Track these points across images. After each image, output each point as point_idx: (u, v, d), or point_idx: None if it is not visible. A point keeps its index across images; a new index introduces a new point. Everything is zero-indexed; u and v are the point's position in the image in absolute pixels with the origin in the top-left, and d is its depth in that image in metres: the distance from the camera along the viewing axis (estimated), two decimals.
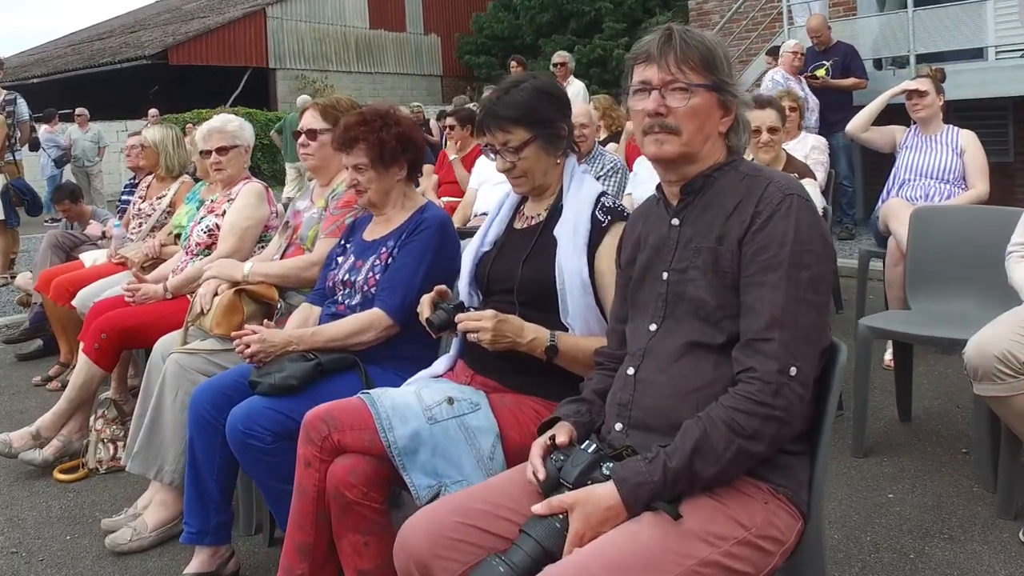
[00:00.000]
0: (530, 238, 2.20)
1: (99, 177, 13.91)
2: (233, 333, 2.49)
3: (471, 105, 8.41)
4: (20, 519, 3.13)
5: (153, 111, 15.83)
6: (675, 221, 1.76)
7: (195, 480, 2.54)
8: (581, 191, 2.19)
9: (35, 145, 8.64)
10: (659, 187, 1.85)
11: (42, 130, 12.13)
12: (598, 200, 2.16)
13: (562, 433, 1.70)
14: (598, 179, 4.61)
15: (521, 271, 2.15)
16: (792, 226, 1.59)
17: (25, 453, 3.51)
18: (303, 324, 2.68)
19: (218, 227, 3.58)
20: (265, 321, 2.54)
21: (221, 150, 3.64)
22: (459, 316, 2.03)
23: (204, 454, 2.50)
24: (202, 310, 2.95)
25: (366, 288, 2.54)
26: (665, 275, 1.74)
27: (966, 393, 3.85)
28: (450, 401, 2.01)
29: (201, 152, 3.76)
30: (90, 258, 4.84)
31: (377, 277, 2.54)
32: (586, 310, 2.08)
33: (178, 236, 4.29)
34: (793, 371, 1.53)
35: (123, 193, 5.69)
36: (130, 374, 4.08)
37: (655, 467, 1.51)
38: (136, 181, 5.43)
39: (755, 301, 1.58)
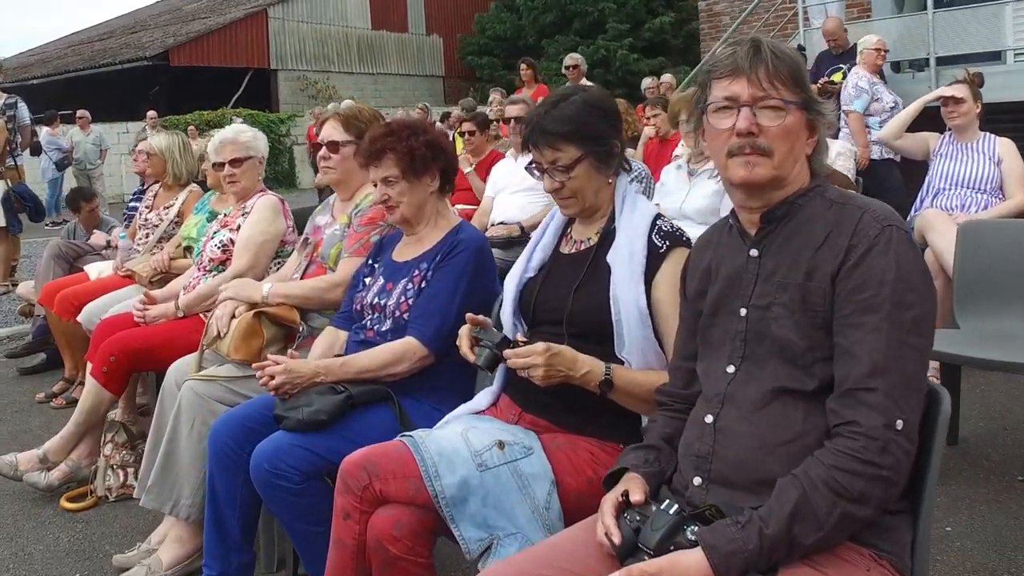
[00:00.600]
0: (580, 264, 2.04)
1: (100, 180, 13.75)
2: (256, 364, 2.31)
3: (487, 110, 8.24)
4: (27, 553, 2.97)
5: (151, 113, 15.61)
6: (753, 252, 1.60)
7: (215, 518, 2.37)
8: (635, 213, 2.03)
9: (36, 150, 8.46)
10: (733, 213, 1.68)
11: (43, 132, 11.96)
12: (654, 223, 2.01)
13: (637, 490, 1.54)
14: None
15: (572, 300, 1.98)
16: (893, 262, 1.43)
17: (30, 475, 3.34)
18: (328, 350, 2.51)
19: (232, 242, 3.42)
20: (290, 351, 2.37)
21: (235, 162, 3.48)
22: (507, 352, 1.87)
23: (225, 491, 2.34)
24: (219, 333, 2.78)
25: (398, 314, 2.38)
26: (743, 311, 1.58)
27: (1012, 413, 3.71)
28: (500, 445, 1.84)
29: (214, 164, 3.60)
30: (95, 270, 4.67)
31: (410, 302, 2.38)
32: (644, 343, 1.92)
33: (188, 249, 4.13)
34: (899, 424, 1.37)
35: (131, 200, 5.50)
36: (138, 391, 3.91)
37: (749, 533, 1.35)
38: (145, 188, 5.26)
39: (853, 345, 1.42)
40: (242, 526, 2.38)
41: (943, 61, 7.93)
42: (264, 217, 3.42)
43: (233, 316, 2.79)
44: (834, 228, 1.51)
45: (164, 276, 4.04)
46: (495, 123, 6.86)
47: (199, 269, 3.53)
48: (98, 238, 5.42)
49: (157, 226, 4.55)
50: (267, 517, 2.60)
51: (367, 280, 2.56)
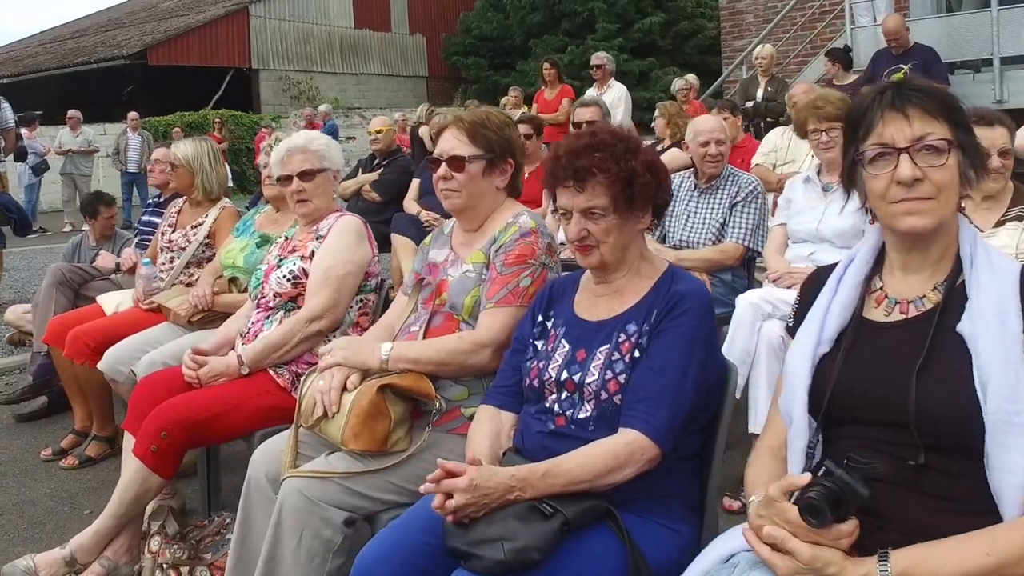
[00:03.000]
0: (915, 335, 1.40)
1: (88, 183, 12.89)
2: (428, 477, 1.62)
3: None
4: None
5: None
6: None
7: None
8: (992, 263, 1.41)
9: (21, 155, 7.60)
10: None
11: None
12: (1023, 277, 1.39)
13: None
14: (734, 207, 3.82)
15: (916, 389, 1.35)
16: None
17: None
18: (496, 441, 1.84)
19: (306, 272, 2.74)
20: (470, 455, 1.70)
21: (305, 175, 2.81)
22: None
23: None
24: (325, 412, 2.09)
25: (604, 395, 1.72)
26: None
27: None
28: None
29: (279, 178, 2.91)
30: (111, 302, 3.90)
31: (621, 379, 1.72)
32: None
33: (232, 280, 3.43)
34: None
35: (144, 213, 4.74)
36: None
37: None
38: (162, 200, 4.52)
39: None
40: None
41: (1007, 61, 7.46)
42: (346, 243, 2.76)
43: (345, 387, 2.10)
44: None
45: (204, 314, 3.35)
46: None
47: (260, 308, 2.84)
48: (106, 260, 4.66)
49: (184, 248, 3.84)
50: None
51: (538, 344, 1.90)
